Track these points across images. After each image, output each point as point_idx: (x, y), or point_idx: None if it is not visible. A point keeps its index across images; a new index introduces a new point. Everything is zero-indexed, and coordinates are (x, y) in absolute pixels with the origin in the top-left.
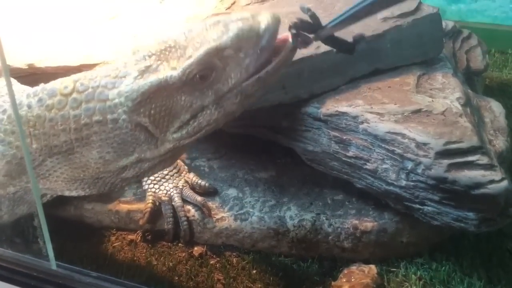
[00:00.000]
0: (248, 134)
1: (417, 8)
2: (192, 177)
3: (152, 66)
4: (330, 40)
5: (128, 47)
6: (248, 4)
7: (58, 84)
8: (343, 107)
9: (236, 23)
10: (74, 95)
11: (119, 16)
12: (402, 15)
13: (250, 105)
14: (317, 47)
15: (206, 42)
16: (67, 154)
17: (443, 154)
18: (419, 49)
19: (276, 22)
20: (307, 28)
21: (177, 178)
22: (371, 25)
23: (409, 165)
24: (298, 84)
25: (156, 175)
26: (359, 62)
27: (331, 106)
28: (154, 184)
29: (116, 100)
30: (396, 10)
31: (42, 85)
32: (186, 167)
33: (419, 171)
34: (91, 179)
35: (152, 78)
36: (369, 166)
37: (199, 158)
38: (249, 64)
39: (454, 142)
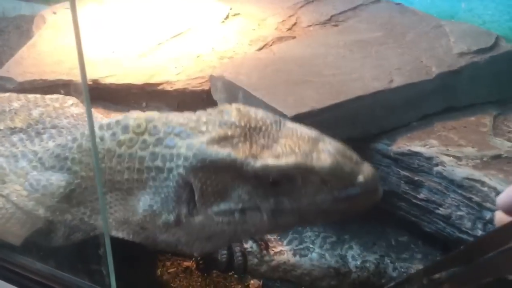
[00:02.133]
0: None
1: (495, 44)
2: None
3: (233, 139)
4: None
5: (192, 67)
6: (310, 26)
7: (132, 121)
8: (416, 147)
9: (339, 157)
10: (145, 136)
11: (182, 34)
12: (479, 51)
13: (299, 227)
14: (390, 81)
15: (299, 153)
16: (126, 193)
17: None
18: (495, 87)
19: (373, 183)
20: None
21: None
22: (446, 60)
23: (488, 215)
24: (369, 119)
25: None
26: (432, 98)
27: (403, 144)
28: None
29: (182, 151)
30: (472, 45)
31: (115, 118)
32: None
33: None
34: (137, 226)
35: (228, 152)
36: (441, 211)
37: None
38: (325, 202)
39: None
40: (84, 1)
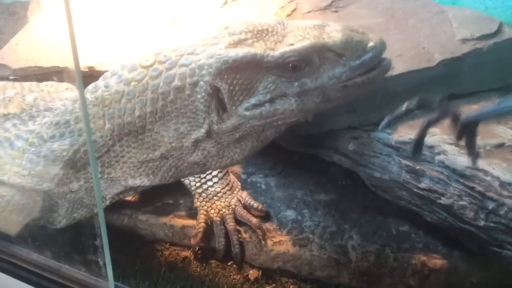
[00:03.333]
0: (308, 153)
1: (498, 30)
2: (245, 196)
3: (247, 41)
4: (469, 131)
5: None
6: (310, 12)
7: (138, 60)
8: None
9: (347, 31)
10: (156, 65)
11: (179, 21)
12: (482, 37)
13: (326, 109)
14: (391, 68)
15: (311, 37)
16: (138, 133)
17: None
18: (498, 74)
19: (382, 47)
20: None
21: (229, 196)
22: (449, 46)
23: (491, 205)
24: (369, 107)
25: (208, 192)
26: (435, 86)
27: (404, 132)
28: (206, 202)
29: (203, 61)
30: (475, 31)
31: (121, 64)
32: (239, 184)
33: (501, 212)
34: (158, 160)
35: (248, 49)
36: (443, 201)
37: (255, 173)
38: (343, 73)
39: None
40: None
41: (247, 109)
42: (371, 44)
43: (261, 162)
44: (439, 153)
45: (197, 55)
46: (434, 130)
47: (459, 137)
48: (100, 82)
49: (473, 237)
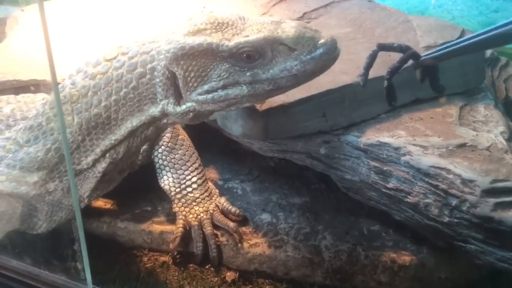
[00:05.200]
0: (282, 158)
1: (460, 37)
2: (223, 202)
3: (206, 31)
4: (429, 70)
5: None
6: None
7: (102, 54)
8: (384, 138)
9: (300, 28)
10: (119, 57)
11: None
12: (445, 44)
13: (276, 95)
14: (359, 75)
15: (266, 31)
16: (104, 124)
17: (489, 192)
18: (461, 79)
19: (333, 44)
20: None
21: (208, 202)
22: None
23: (454, 201)
24: (338, 112)
25: (187, 197)
26: (400, 91)
27: (372, 135)
28: (185, 207)
29: (162, 47)
30: (439, 38)
31: (85, 60)
32: (217, 191)
33: (464, 208)
34: (123, 137)
35: (205, 38)
36: (410, 199)
37: (232, 179)
38: (294, 67)
39: (501, 181)
40: None
41: (200, 94)
42: (322, 41)
43: (237, 168)
44: (404, 154)
45: (157, 42)
46: (400, 132)
47: (422, 79)
48: (66, 81)
49: (439, 233)
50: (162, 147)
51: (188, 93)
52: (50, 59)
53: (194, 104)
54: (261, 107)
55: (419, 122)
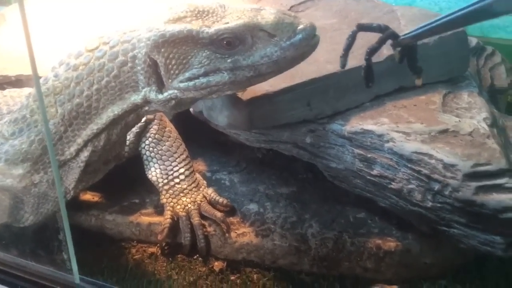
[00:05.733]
0: (269, 149)
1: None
2: (210, 192)
3: (187, 18)
4: (408, 50)
5: None
6: None
7: (84, 45)
8: (368, 125)
9: (279, 14)
10: (100, 47)
11: None
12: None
13: (257, 82)
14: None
15: (246, 17)
16: (85, 114)
17: (471, 176)
18: (444, 67)
19: (312, 30)
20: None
21: (195, 193)
22: None
23: (436, 186)
24: (322, 101)
25: (174, 188)
26: (384, 79)
27: (356, 123)
28: (172, 198)
29: (143, 35)
30: None
31: (67, 52)
32: (205, 182)
33: (446, 193)
34: (104, 125)
35: (185, 25)
36: (394, 185)
37: (220, 171)
38: (274, 53)
39: (482, 165)
40: None
41: (181, 81)
42: (301, 26)
43: (225, 160)
44: (388, 141)
45: (138, 31)
46: (383, 120)
47: (400, 60)
48: (49, 74)
49: (423, 219)
50: (150, 138)
51: (170, 80)
52: (30, 51)
53: (176, 91)
54: (245, 96)
55: (403, 109)
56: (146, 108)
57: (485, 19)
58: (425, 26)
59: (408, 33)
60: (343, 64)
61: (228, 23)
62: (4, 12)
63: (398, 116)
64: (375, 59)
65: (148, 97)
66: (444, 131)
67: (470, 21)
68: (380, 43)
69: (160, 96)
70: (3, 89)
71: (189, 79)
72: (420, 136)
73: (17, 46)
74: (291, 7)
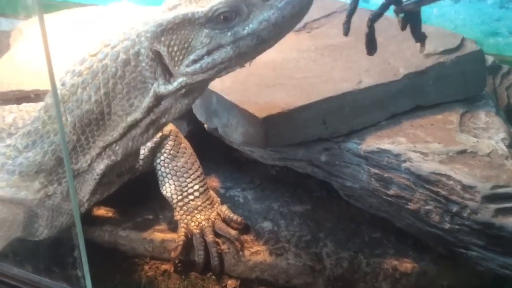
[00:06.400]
0: (284, 166)
1: (461, 45)
2: (224, 210)
3: (181, 5)
4: (411, 16)
5: None
6: None
7: (87, 51)
8: (384, 144)
9: None
10: (102, 49)
11: None
12: (445, 52)
13: (264, 50)
14: (359, 83)
15: None
16: (98, 121)
17: (490, 198)
18: (461, 86)
19: None
20: None
21: (209, 210)
22: (414, 61)
23: (454, 208)
24: (338, 119)
25: (189, 205)
26: (400, 98)
27: (372, 142)
28: (187, 215)
29: (140, 30)
30: (439, 46)
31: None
32: (218, 199)
33: (465, 214)
34: (119, 136)
35: (179, 11)
36: (411, 206)
37: (233, 187)
38: (272, 15)
39: (501, 187)
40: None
41: (187, 66)
42: None
43: (239, 176)
44: (405, 161)
45: (136, 27)
46: (400, 139)
47: (403, 27)
48: (57, 84)
49: (440, 240)
50: (165, 154)
51: (176, 67)
52: (49, 63)
53: (184, 78)
54: (260, 114)
55: (420, 129)
56: (163, 120)
57: None
58: None
59: (410, 2)
60: (346, 31)
61: None
62: (22, 27)
63: (415, 135)
64: (392, 77)
65: (158, 92)
66: (463, 152)
67: None
68: (383, 9)
69: (170, 87)
70: (20, 103)
71: (194, 61)
72: (438, 157)
73: (34, 61)
74: (306, 24)
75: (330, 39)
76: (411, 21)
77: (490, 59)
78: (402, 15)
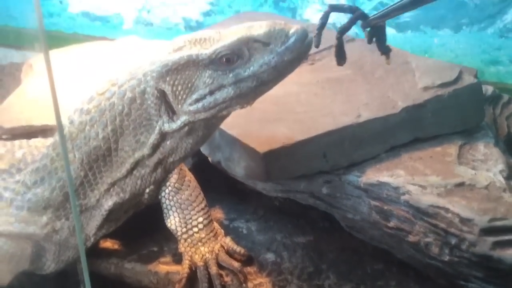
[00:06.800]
0: (286, 197)
1: (458, 77)
2: (228, 241)
3: (185, 47)
4: (377, 30)
5: None
6: None
7: (95, 90)
8: (384, 177)
9: (270, 23)
10: (110, 88)
11: None
12: (443, 85)
13: (263, 92)
14: (358, 116)
15: (238, 34)
16: (105, 157)
17: (487, 231)
18: (460, 118)
19: (304, 32)
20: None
21: (213, 242)
22: (412, 94)
23: (453, 240)
24: (338, 152)
25: (193, 237)
26: (399, 131)
27: (372, 175)
28: (191, 247)
29: (147, 69)
30: (437, 79)
31: (80, 100)
32: (222, 231)
33: (463, 247)
34: (127, 176)
35: (184, 53)
36: (411, 238)
37: (237, 219)
38: (272, 59)
39: (499, 219)
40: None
41: (190, 104)
42: (292, 30)
43: (242, 208)
44: (404, 194)
45: (142, 66)
46: (399, 172)
47: (369, 41)
48: (65, 121)
49: (440, 272)
50: (169, 187)
51: (180, 106)
52: (54, 99)
53: (187, 116)
54: (261, 148)
55: (419, 161)
56: (170, 160)
57: None
58: (390, 6)
59: (376, 13)
60: (317, 44)
61: (223, 42)
62: (32, 62)
63: (414, 168)
64: (390, 111)
65: (163, 130)
66: (461, 184)
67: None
68: (351, 23)
69: (174, 125)
70: (29, 138)
71: (197, 100)
72: (436, 189)
73: (44, 96)
74: (308, 55)
75: (331, 72)
76: (377, 35)
77: (490, 89)
78: (368, 29)
